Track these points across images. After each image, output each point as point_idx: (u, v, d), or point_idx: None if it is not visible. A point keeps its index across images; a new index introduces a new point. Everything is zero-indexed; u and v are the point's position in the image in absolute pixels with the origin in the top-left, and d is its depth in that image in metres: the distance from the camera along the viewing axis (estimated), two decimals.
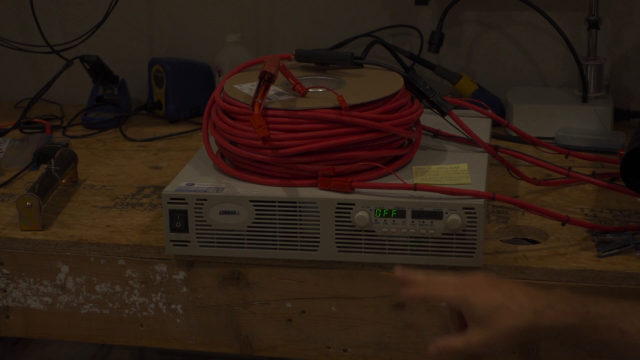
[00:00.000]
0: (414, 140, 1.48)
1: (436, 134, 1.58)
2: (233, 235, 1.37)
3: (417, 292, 1.20)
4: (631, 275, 1.30)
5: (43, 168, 1.63)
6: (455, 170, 1.41)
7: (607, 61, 1.93)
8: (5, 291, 1.49)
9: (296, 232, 1.36)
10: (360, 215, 1.33)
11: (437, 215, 1.32)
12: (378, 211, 1.33)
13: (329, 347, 1.42)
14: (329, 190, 1.36)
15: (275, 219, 1.36)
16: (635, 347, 1.10)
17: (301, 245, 1.37)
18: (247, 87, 1.46)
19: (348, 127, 1.37)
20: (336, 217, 1.34)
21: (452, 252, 1.33)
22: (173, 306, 1.45)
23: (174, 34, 2.14)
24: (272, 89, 1.42)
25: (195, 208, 1.37)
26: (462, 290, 1.16)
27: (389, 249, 1.34)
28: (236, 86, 1.47)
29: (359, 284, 1.38)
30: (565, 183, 1.58)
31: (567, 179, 1.54)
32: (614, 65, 1.96)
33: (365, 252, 1.35)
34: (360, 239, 1.35)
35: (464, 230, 1.32)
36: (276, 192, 1.36)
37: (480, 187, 1.35)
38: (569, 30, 1.90)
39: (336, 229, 1.35)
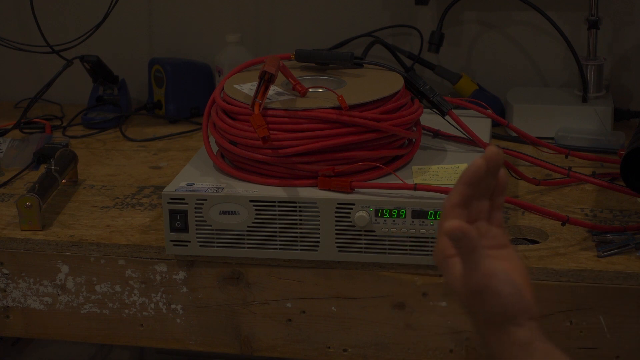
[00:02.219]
0: (414, 140, 1.48)
1: (436, 134, 1.58)
2: (233, 235, 1.37)
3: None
4: (631, 275, 1.30)
5: (43, 168, 1.63)
6: (455, 170, 1.41)
7: (607, 61, 1.93)
8: (5, 291, 1.49)
9: (296, 232, 1.36)
10: (360, 215, 1.33)
11: (437, 215, 1.32)
12: (378, 211, 1.33)
13: (329, 347, 1.42)
14: (329, 190, 1.36)
15: (275, 219, 1.36)
16: None
17: (301, 245, 1.37)
18: (247, 87, 1.46)
19: (348, 127, 1.37)
20: (336, 217, 1.34)
21: None
22: (173, 306, 1.45)
23: (174, 34, 2.14)
24: (272, 89, 1.42)
25: (195, 208, 1.37)
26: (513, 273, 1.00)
27: (389, 249, 1.35)
28: (236, 86, 1.47)
29: (359, 284, 1.38)
30: (565, 183, 1.58)
31: (567, 179, 1.54)
32: (614, 65, 1.96)
33: (365, 252, 1.35)
34: (360, 239, 1.35)
35: None
36: (276, 192, 1.36)
37: None
38: (569, 30, 1.90)
39: (336, 229, 1.35)
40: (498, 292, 0.98)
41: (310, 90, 1.43)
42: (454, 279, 1.00)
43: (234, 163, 1.44)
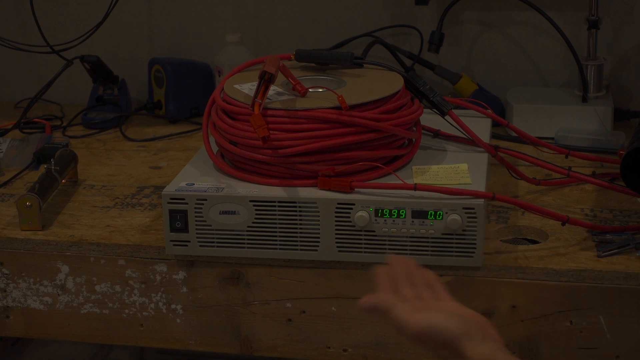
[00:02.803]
0: (414, 140, 1.48)
1: (436, 134, 1.58)
2: (233, 235, 1.37)
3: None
4: (631, 275, 1.30)
5: (43, 168, 1.63)
6: (455, 170, 1.41)
7: (607, 61, 1.93)
8: (5, 291, 1.49)
9: (296, 232, 1.36)
10: (360, 215, 1.33)
11: (437, 215, 1.32)
12: (378, 211, 1.33)
13: (329, 347, 1.42)
14: (329, 190, 1.36)
15: (275, 219, 1.36)
16: None
17: (301, 245, 1.37)
18: (247, 87, 1.46)
19: (348, 127, 1.37)
20: (336, 217, 1.34)
21: (452, 252, 1.33)
22: (173, 306, 1.45)
23: (174, 34, 2.14)
24: (272, 89, 1.42)
25: (195, 208, 1.37)
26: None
27: (389, 249, 1.34)
28: (236, 86, 1.47)
29: (359, 284, 1.38)
30: (565, 183, 1.58)
31: (567, 179, 1.54)
32: (614, 65, 1.96)
33: (365, 252, 1.35)
34: (360, 239, 1.35)
35: (464, 230, 1.32)
36: (276, 192, 1.36)
37: (480, 187, 1.35)
38: (569, 30, 1.90)
39: (336, 229, 1.35)
40: (442, 328, 1.07)
41: (310, 90, 1.43)
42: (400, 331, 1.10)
43: (234, 163, 1.44)
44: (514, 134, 1.74)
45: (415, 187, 1.33)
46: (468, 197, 1.32)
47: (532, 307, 1.34)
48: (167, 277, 1.44)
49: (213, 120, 1.46)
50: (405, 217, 1.33)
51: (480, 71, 2.01)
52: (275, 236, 1.37)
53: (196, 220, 1.37)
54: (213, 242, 1.38)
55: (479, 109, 1.63)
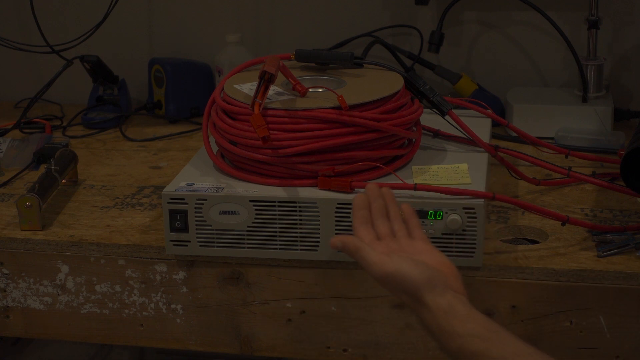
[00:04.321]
0: (414, 140, 1.48)
1: (436, 134, 1.58)
2: (233, 235, 1.37)
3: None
4: (631, 275, 1.30)
5: (43, 168, 1.63)
6: (455, 170, 1.41)
7: (607, 61, 1.93)
8: (5, 291, 1.49)
9: (296, 232, 1.36)
10: None
11: (437, 215, 1.32)
12: None
13: (329, 347, 1.42)
14: (329, 190, 1.36)
15: (275, 219, 1.36)
16: None
17: (301, 245, 1.37)
18: (247, 87, 1.46)
19: (348, 127, 1.37)
20: (336, 217, 1.34)
21: (452, 252, 1.33)
22: (173, 306, 1.45)
23: (174, 34, 2.14)
24: (272, 89, 1.42)
25: (195, 208, 1.37)
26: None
27: None
28: (236, 86, 1.47)
29: (359, 284, 1.38)
30: (565, 183, 1.58)
31: (567, 179, 1.54)
32: (614, 65, 1.96)
33: None
34: None
35: (464, 230, 1.32)
36: (276, 192, 1.36)
37: (480, 187, 1.35)
38: (569, 30, 1.90)
39: (336, 229, 1.35)
40: (405, 275, 1.12)
41: (310, 90, 1.43)
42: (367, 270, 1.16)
43: (234, 163, 1.44)
44: (514, 134, 1.74)
45: (415, 187, 1.33)
46: (468, 197, 1.32)
47: (532, 307, 1.34)
48: (167, 277, 1.44)
49: (213, 120, 1.46)
50: None
51: (480, 71, 2.01)
52: (275, 236, 1.37)
53: (196, 220, 1.37)
54: (213, 242, 1.38)
55: (479, 109, 1.63)
